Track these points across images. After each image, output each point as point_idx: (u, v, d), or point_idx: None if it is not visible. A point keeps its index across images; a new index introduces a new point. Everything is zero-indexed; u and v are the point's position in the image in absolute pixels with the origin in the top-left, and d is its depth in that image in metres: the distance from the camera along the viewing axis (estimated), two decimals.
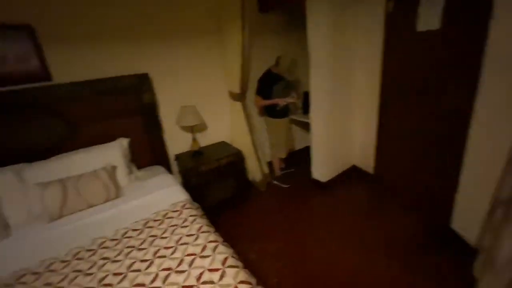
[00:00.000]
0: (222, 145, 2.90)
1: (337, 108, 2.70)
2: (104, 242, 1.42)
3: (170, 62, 2.48)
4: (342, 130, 2.88)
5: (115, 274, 1.17)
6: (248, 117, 2.93)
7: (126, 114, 2.28)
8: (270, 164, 3.21)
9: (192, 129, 2.61)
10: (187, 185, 2.42)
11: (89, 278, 1.17)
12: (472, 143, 1.77)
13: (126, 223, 1.56)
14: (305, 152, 3.19)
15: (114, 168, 1.98)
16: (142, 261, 1.24)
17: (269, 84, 2.68)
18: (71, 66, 2.04)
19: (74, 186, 1.74)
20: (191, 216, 1.53)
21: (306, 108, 2.99)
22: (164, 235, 1.40)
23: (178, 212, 1.59)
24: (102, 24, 2.09)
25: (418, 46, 2.10)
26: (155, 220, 1.55)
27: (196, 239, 1.32)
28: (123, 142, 2.17)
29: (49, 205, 1.67)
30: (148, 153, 2.47)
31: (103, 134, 2.16)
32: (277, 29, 3.10)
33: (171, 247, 1.30)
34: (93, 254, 1.33)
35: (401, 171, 2.60)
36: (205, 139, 2.90)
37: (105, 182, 1.83)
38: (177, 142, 2.68)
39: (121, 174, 2.03)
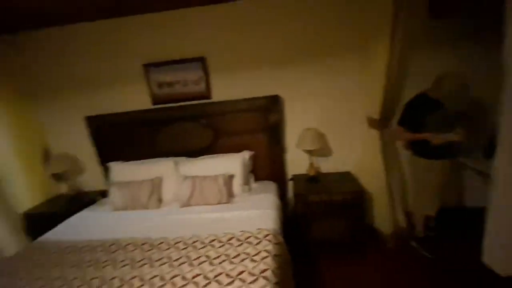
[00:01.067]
0: (345, 176, 2.52)
1: None
2: (195, 241, 1.63)
3: (302, 84, 2.48)
4: None
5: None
6: (386, 150, 2.37)
7: (255, 130, 2.52)
8: (408, 215, 2.42)
9: (310, 153, 2.47)
10: (294, 210, 2.32)
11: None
12: None
13: (218, 231, 1.72)
14: (479, 215, 2.11)
15: (231, 176, 2.25)
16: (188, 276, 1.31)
17: (421, 112, 2.00)
18: (224, 88, 2.54)
19: (200, 184, 2.15)
20: (265, 251, 1.44)
21: (489, 151, 1.96)
22: (233, 260, 1.40)
23: (257, 241, 1.54)
24: (249, 54, 2.44)
25: None
26: (238, 239, 1.59)
27: (253, 281, 1.22)
28: (246, 155, 2.43)
29: (183, 194, 2.17)
30: (268, 168, 2.61)
31: (235, 145, 2.52)
32: (445, 40, 2.25)
33: (229, 276, 1.28)
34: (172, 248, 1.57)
35: None
36: (328, 165, 2.65)
37: (220, 187, 2.12)
38: (297, 162, 2.63)
39: (237, 183, 2.28)
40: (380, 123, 2.26)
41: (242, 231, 1.68)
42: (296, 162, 2.63)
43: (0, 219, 2.35)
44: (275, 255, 1.43)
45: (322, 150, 2.54)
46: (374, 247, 2.35)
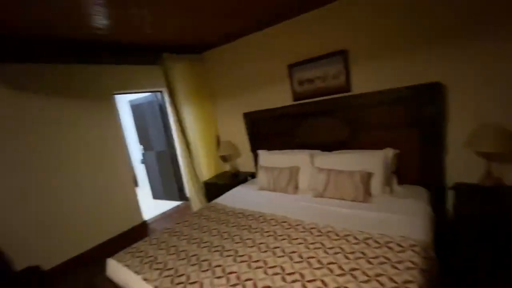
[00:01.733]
0: None
1: None
2: (330, 231, 1.68)
3: (476, 67, 1.89)
4: None
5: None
6: None
7: (402, 125, 2.21)
8: None
9: (488, 156, 1.86)
10: (454, 230, 1.87)
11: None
12: None
13: (353, 228, 1.68)
14: None
15: (369, 174, 2.11)
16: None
17: None
18: (366, 79, 2.39)
19: (335, 178, 2.17)
20: (410, 261, 1.27)
21: None
22: (371, 260, 1.34)
23: (400, 249, 1.38)
24: (396, 37, 2.14)
25: None
26: (375, 241, 1.49)
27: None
28: (389, 153, 2.18)
29: (318, 185, 2.27)
30: (417, 170, 2.22)
31: (375, 141, 2.32)
32: None
33: (365, 274, 1.23)
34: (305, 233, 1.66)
35: None
36: None
37: (356, 184, 2.04)
38: (464, 168, 2.07)
39: (375, 183, 2.10)
40: None
41: (381, 234, 1.56)
42: (462, 167, 2.07)
43: (192, 184, 3.41)
44: (422, 270, 1.23)
45: (508, 154, 1.86)
46: None
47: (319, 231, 1.71)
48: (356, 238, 1.56)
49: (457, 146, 2.04)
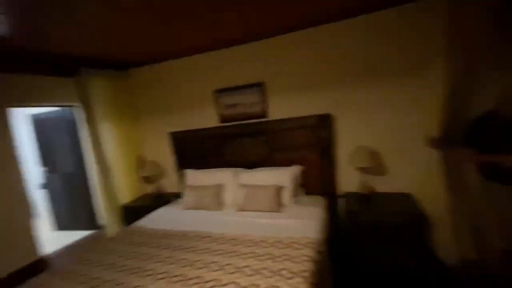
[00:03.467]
0: (404, 198, 2.41)
1: None
2: (247, 240, 1.88)
3: (354, 103, 2.55)
4: None
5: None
6: (452, 173, 2.20)
7: (307, 146, 2.70)
8: (480, 246, 2.13)
9: (363, 170, 2.47)
10: (345, 227, 2.37)
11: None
12: None
13: (267, 234, 1.94)
14: None
15: (281, 188, 2.47)
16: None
17: (491, 132, 1.83)
18: (279, 108, 2.84)
19: (253, 192, 2.45)
20: (305, 255, 1.58)
21: None
22: (276, 259, 1.59)
23: (300, 246, 1.69)
24: (303, 78, 2.69)
25: None
26: (283, 243, 1.77)
27: (290, 277, 1.39)
28: (296, 169, 2.61)
29: (240, 200, 2.49)
30: (318, 183, 2.71)
31: (288, 159, 2.74)
32: None
33: (271, 271, 1.47)
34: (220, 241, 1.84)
35: None
36: (384, 185, 2.58)
37: (271, 197, 2.36)
38: (350, 180, 2.65)
39: (286, 195, 2.47)
40: (439, 142, 2.14)
41: (288, 236, 1.86)
42: (349, 180, 2.66)
43: (108, 208, 3.13)
44: (315, 261, 1.56)
45: (376, 168, 2.52)
46: (435, 277, 2.15)
47: (239, 240, 1.90)
48: (268, 243, 1.81)
49: (344, 163, 2.63)
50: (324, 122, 2.60)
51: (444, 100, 2.05)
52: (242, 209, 2.47)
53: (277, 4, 1.96)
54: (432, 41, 2.12)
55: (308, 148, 2.70)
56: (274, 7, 2.01)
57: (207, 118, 3.17)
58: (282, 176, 2.54)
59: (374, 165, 2.42)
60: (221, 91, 3.04)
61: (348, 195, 2.59)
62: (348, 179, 2.66)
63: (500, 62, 2.07)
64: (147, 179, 3.58)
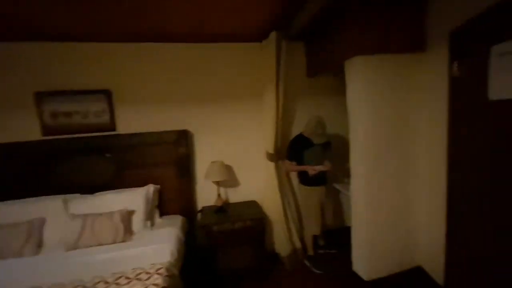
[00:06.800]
0: (251, 205, 2.74)
1: (387, 182, 2.15)
2: (76, 287, 1.47)
3: (210, 120, 2.71)
4: (398, 214, 2.23)
5: None
6: (282, 181, 2.74)
7: (163, 163, 2.55)
8: (302, 237, 2.77)
9: (219, 184, 2.62)
10: (200, 241, 2.36)
11: None
12: None
13: (107, 272, 1.59)
14: None
15: (131, 212, 2.16)
16: None
17: (299, 148, 2.48)
18: (131, 121, 2.53)
19: (91, 223, 1.98)
20: (153, 285, 1.42)
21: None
22: None
23: (148, 276, 1.51)
24: (159, 91, 2.57)
25: (492, 118, 1.51)
26: (126, 277, 1.51)
27: None
28: (150, 188, 2.38)
29: (71, 235, 1.94)
30: (177, 201, 2.61)
31: (141, 179, 2.46)
32: (327, 92, 2.95)
33: None
34: None
35: None
36: (237, 196, 2.84)
37: (116, 225, 2.00)
38: (208, 195, 2.72)
39: (137, 219, 2.18)
40: (274, 157, 2.64)
41: (133, 268, 1.61)
42: (207, 195, 2.72)
43: None
44: (164, 287, 1.43)
45: (230, 181, 2.75)
46: (276, 270, 2.55)
47: None
48: (106, 282, 1.49)
49: (202, 179, 2.68)
50: (182, 138, 2.56)
51: (276, 123, 2.57)
52: (74, 248, 1.92)
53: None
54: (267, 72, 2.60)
55: (165, 165, 2.55)
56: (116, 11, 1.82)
57: (24, 129, 2.33)
58: (133, 199, 2.23)
59: (228, 178, 2.62)
60: (48, 94, 2.34)
61: (205, 209, 2.64)
62: (207, 194, 2.73)
63: (310, 100, 2.90)
64: None
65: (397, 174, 2.18)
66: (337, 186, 2.80)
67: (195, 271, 2.29)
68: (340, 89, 2.67)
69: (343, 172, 2.90)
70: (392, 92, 2.07)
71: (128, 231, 2.08)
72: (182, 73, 2.60)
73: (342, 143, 2.82)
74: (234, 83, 2.72)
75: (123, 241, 2.00)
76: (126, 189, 2.35)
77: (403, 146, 2.17)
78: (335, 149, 2.75)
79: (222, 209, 2.58)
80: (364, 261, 2.23)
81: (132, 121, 2.53)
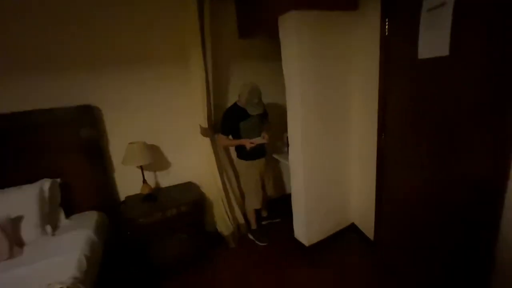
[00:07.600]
0: (187, 187, 2.44)
1: (323, 149, 2.12)
2: None
3: (124, 93, 2.17)
4: (333, 178, 2.27)
5: None
6: (220, 156, 2.49)
7: (65, 150, 1.97)
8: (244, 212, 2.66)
9: (144, 169, 2.21)
10: (126, 238, 1.99)
11: None
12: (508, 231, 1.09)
13: None
14: None
15: (17, 219, 1.62)
16: None
17: (234, 120, 2.21)
18: (4, 94, 1.82)
19: None
20: None
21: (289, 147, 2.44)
22: None
23: None
24: (46, 53, 1.88)
25: (421, 79, 1.51)
26: None
27: None
28: (45, 184, 1.82)
29: None
30: (93, 195, 2.11)
31: (36, 173, 1.86)
32: (262, 57, 2.69)
33: None
34: None
35: (402, 245, 1.89)
36: (169, 179, 2.48)
37: None
38: (133, 183, 2.27)
39: (28, 226, 1.65)
40: (208, 131, 2.33)
41: None
42: (131, 182, 2.27)
43: None
44: None
45: (158, 164, 2.36)
46: (220, 250, 2.41)
47: None
48: None
49: (121, 165, 2.21)
50: (86, 116, 2.00)
51: (207, 93, 2.22)
52: None
53: None
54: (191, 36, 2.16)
55: (68, 152, 1.99)
56: None
57: None
58: (19, 201, 1.67)
59: (154, 160, 2.21)
60: None
61: (129, 200, 2.24)
62: (130, 182, 2.27)
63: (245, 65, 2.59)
64: None
65: (334, 139, 2.17)
66: (277, 156, 2.71)
67: (128, 269, 1.98)
68: (276, 55, 2.44)
69: (282, 142, 2.81)
70: (328, 51, 1.94)
71: (18, 244, 1.57)
72: (79, 28, 1.94)
73: (280, 113, 2.67)
74: (155, 46, 2.19)
75: (9, 258, 1.49)
76: (9, 188, 1.74)
77: (339, 112, 2.14)
78: (274, 118, 2.59)
79: (151, 197, 2.21)
80: (303, 227, 2.25)
81: (7, 94, 1.83)
